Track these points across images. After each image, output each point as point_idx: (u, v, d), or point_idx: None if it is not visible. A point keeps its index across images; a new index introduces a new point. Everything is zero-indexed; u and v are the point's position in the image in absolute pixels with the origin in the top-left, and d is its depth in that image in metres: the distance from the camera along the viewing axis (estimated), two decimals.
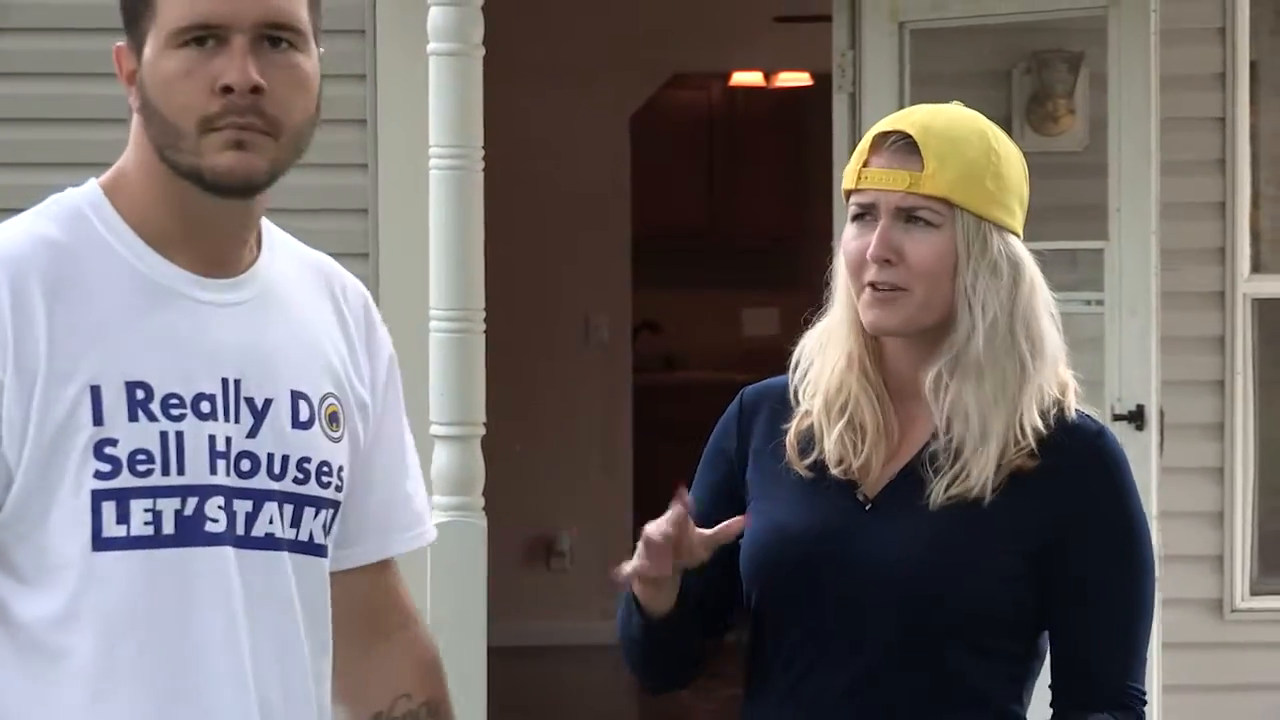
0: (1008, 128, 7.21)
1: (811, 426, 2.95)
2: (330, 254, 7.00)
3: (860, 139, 7.45)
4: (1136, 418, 6.37)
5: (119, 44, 2.47)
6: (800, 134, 11.93)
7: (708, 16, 10.32)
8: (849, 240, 2.92)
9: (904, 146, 2.92)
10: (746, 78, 12.28)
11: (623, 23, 10.07)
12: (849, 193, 2.96)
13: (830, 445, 2.92)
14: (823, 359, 2.97)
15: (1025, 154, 7.89)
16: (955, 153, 2.93)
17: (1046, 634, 2.99)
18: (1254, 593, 7.02)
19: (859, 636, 2.90)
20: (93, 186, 2.52)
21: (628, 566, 2.90)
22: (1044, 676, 3.03)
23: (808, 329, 3.03)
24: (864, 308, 2.90)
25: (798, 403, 2.97)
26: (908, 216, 2.90)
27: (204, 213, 2.50)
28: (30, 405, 2.36)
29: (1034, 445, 2.90)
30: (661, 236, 11.78)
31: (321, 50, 2.63)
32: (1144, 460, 6.38)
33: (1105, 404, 6.42)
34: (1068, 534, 2.92)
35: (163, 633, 2.40)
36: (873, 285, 2.88)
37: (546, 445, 10.26)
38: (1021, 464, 2.89)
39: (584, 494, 10.52)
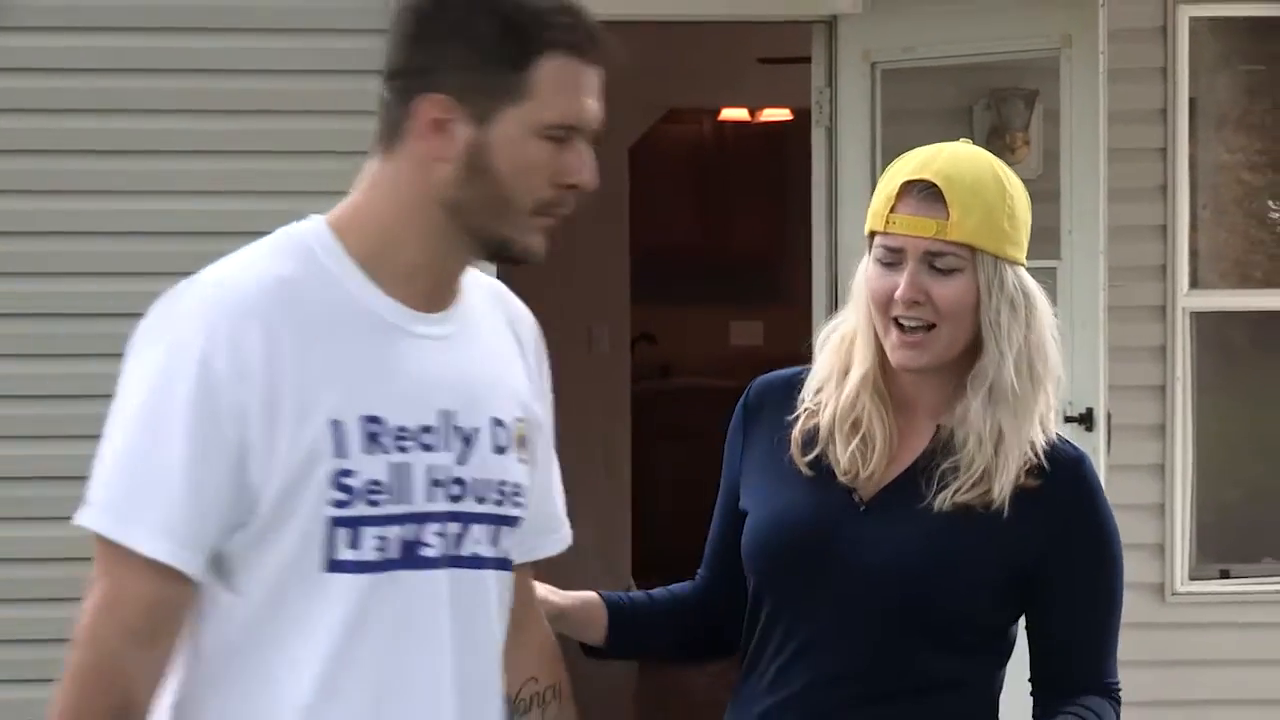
0: None
1: (816, 427, 2.94)
2: None
3: (836, 168, 7.44)
4: (1086, 419, 6.38)
5: (435, 95, 2.40)
6: (782, 163, 11.93)
7: (699, 58, 10.31)
8: (874, 279, 2.90)
9: (930, 194, 2.91)
10: (734, 113, 12.28)
11: (625, 66, 10.08)
12: (874, 234, 2.93)
13: (844, 458, 2.90)
14: (838, 369, 2.96)
15: None
16: (977, 201, 2.93)
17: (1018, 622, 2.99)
18: (1192, 578, 7.03)
19: (846, 631, 2.88)
20: (320, 224, 2.52)
21: None
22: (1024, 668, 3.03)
23: (817, 337, 3.04)
24: (892, 348, 2.89)
25: (804, 402, 2.97)
26: (933, 261, 2.89)
27: (451, 263, 2.48)
28: (278, 438, 2.34)
29: (1036, 464, 2.91)
30: (657, 255, 11.79)
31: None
32: (1092, 458, 6.37)
33: (1058, 408, 6.42)
34: (1054, 547, 2.93)
35: (381, 647, 2.39)
36: (899, 325, 2.88)
37: None
38: (1025, 482, 2.90)
39: (586, 491, 10.46)
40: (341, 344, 2.40)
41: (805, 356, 7.38)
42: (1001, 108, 6.89)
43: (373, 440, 2.38)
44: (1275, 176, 7.33)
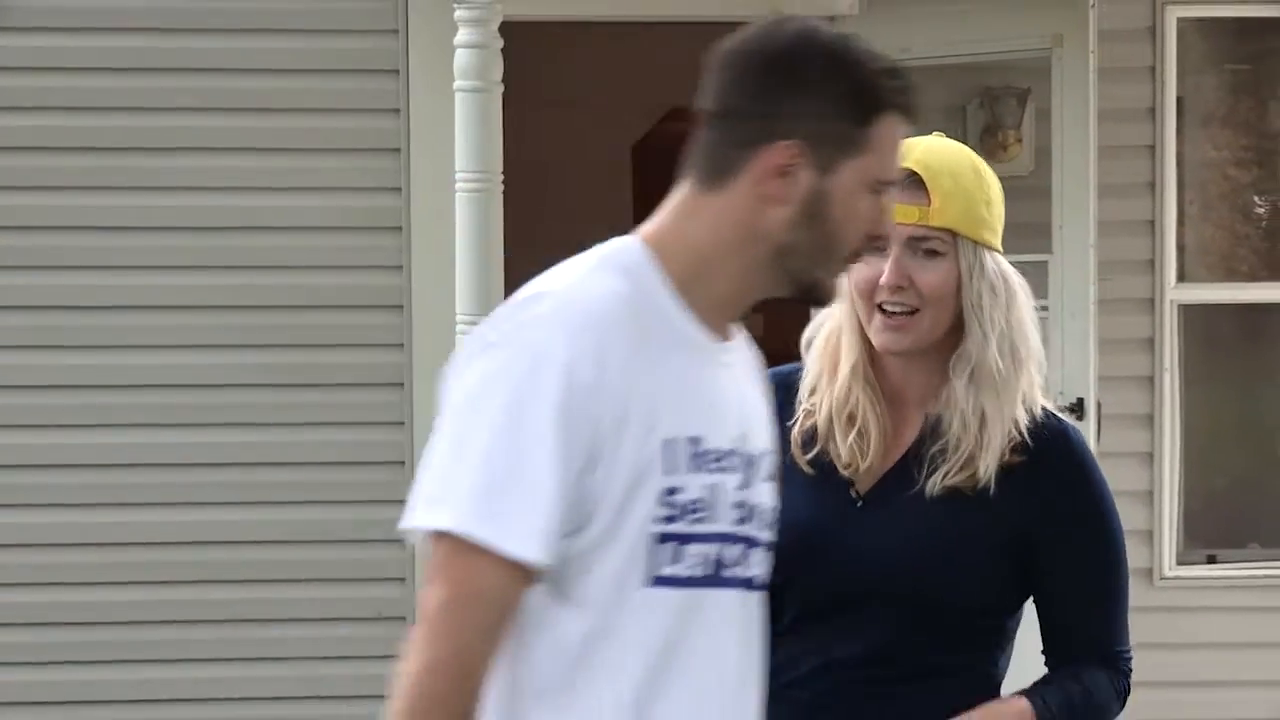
0: None
1: (814, 426, 2.93)
2: (368, 267, 7.05)
3: None
4: (1077, 409, 6.38)
5: (785, 142, 2.42)
6: None
7: (700, 59, 10.32)
8: (858, 268, 2.86)
9: (912, 182, 2.92)
10: None
11: (626, 65, 10.08)
12: None
13: (843, 451, 2.90)
14: (827, 366, 2.96)
15: None
16: (957, 188, 2.95)
17: (1024, 603, 2.99)
18: (1179, 563, 7.04)
19: (850, 620, 2.89)
20: (640, 246, 2.49)
21: None
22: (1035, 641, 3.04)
23: (804, 333, 3.03)
24: (876, 331, 2.90)
25: (801, 403, 2.96)
26: (916, 247, 2.91)
27: (753, 298, 2.51)
28: (622, 451, 2.34)
29: (1020, 441, 2.91)
30: None
31: None
32: None
33: (1050, 397, 6.43)
34: (1050, 519, 2.93)
35: (692, 665, 2.39)
36: (883, 310, 2.89)
37: None
38: (1010, 459, 2.90)
39: None
40: (673, 364, 2.41)
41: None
42: (994, 106, 6.89)
43: (695, 460, 2.39)
44: (1260, 173, 7.33)
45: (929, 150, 2.97)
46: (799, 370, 3.00)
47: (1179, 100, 6.98)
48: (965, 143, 7.63)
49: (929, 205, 2.91)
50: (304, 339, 6.50)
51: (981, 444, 2.89)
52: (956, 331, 2.93)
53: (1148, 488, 6.97)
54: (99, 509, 6.46)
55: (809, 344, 2.99)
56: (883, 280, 2.88)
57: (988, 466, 2.88)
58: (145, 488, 6.47)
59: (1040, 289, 6.52)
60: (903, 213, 2.87)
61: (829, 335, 2.97)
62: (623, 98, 10.51)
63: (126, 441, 6.46)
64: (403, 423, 6.40)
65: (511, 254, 5.43)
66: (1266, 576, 7.05)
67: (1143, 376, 6.97)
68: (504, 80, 5.06)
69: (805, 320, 7.13)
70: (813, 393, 2.95)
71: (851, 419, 2.91)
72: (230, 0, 6.51)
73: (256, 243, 6.47)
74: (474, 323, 5.03)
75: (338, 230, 6.51)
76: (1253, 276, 7.27)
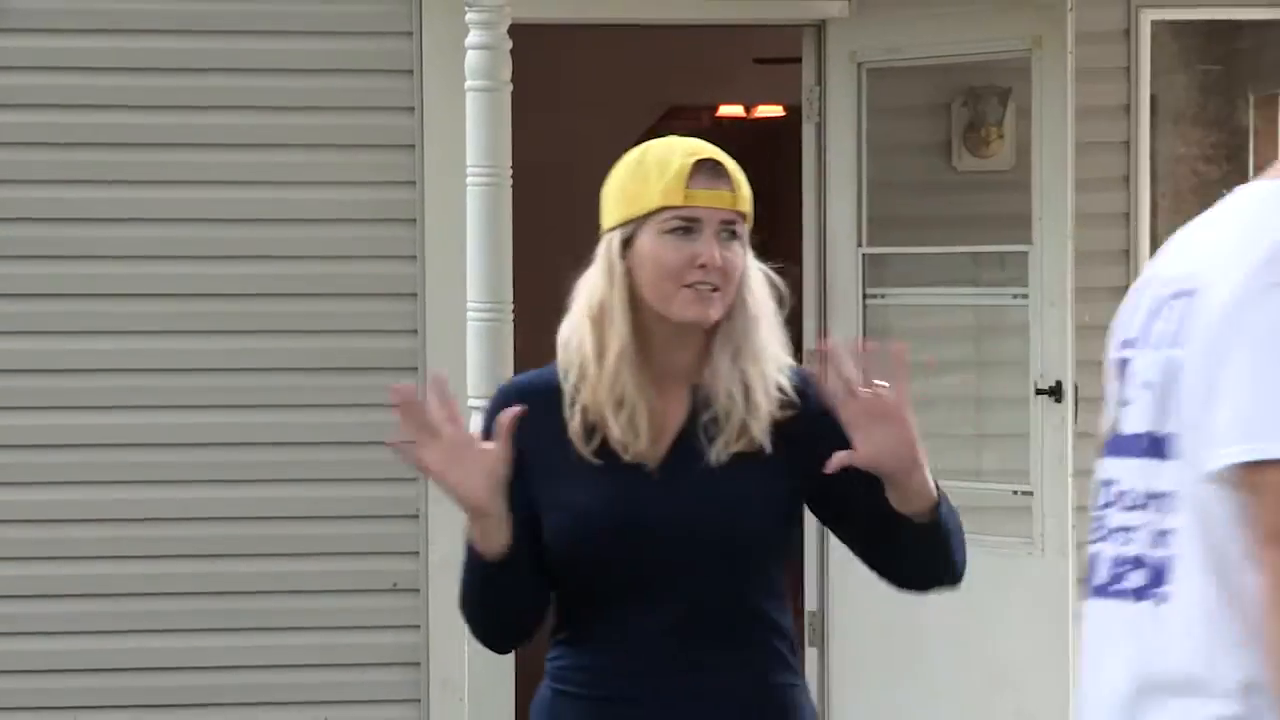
0: (947, 151, 7.27)
1: (589, 417, 2.95)
2: (383, 257, 7.05)
3: (825, 161, 7.43)
4: (1055, 392, 6.38)
5: None
6: (776, 157, 11.91)
7: (698, 59, 10.32)
8: (671, 250, 2.93)
9: (718, 170, 2.99)
10: (731, 110, 12.27)
11: (627, 64, 10.08)
12: (666, 209, 2.95)
13: (617, 433, 2.92)
14: (592, 356, 2.96)
15: (962, 173, 7.91)
16: (742, 178, 3.03)
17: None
18: None
19: (669, 585, 2.93)
20: None
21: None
22: None
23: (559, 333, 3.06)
24: (684, 305, 2.93)
25: (573, 400, 2.96)
26: (725, 229, 2.97)
27: None
28: None
29: (786, 398, 2.99)
30: None
31: None
32: (1061, 427, 6.39)
33: (1030, 380, 6.43)
34: (829, 447, 2.93)
35: None
36: (694, 287, 2.92)
37: None
38: (780, 415, 2.97)
39: None
40: None
41: (795, 331, 7.35)
42: (977, 104, 6.89)
43: None
44: (1229, 168, 7.34)
45: (709, 145, 3.03)
46: (546, 375, 3.01)
47: (1152, 99, 6.98)
48: (950, 138, 7.68)
49: (733, 191, 2.98)
50: (323, 325, 6.50)
51: (750, 411, 2.94)
52: None
53: None
54: (132, 486, 6.47)
55: (566, 343, 3.00)
56: (705, 260, 2.92)
57: (761, 429, 2.94)
58: (172, 466, 6.48)
59: (1020, 278, 6.53)
60: (717, 198, 2.97)
61: (591, 328, 2.98)
62: (625, 96, 10.50)
63: (155, 422, 6.46)
64: None
65: (519, 244, 5.43)
66: None
67: None
68: (513, 80, 5.06)
69: (797, 310, 7.04)
70: (580, 383, 2.96)
71: (620, 403, 2.93)
72: (255, 4, 6.51)
73: (278, 234, 6.48)
74: (484, 308, 5.04)
75: (355, 222, 6.52)
76: None
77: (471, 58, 4.99)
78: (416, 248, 6.53)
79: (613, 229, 3.00)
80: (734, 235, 2.98)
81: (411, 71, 6.51)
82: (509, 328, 5.08)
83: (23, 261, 6.46)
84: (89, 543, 6.46)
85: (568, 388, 2.97)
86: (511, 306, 5.17)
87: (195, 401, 6.47)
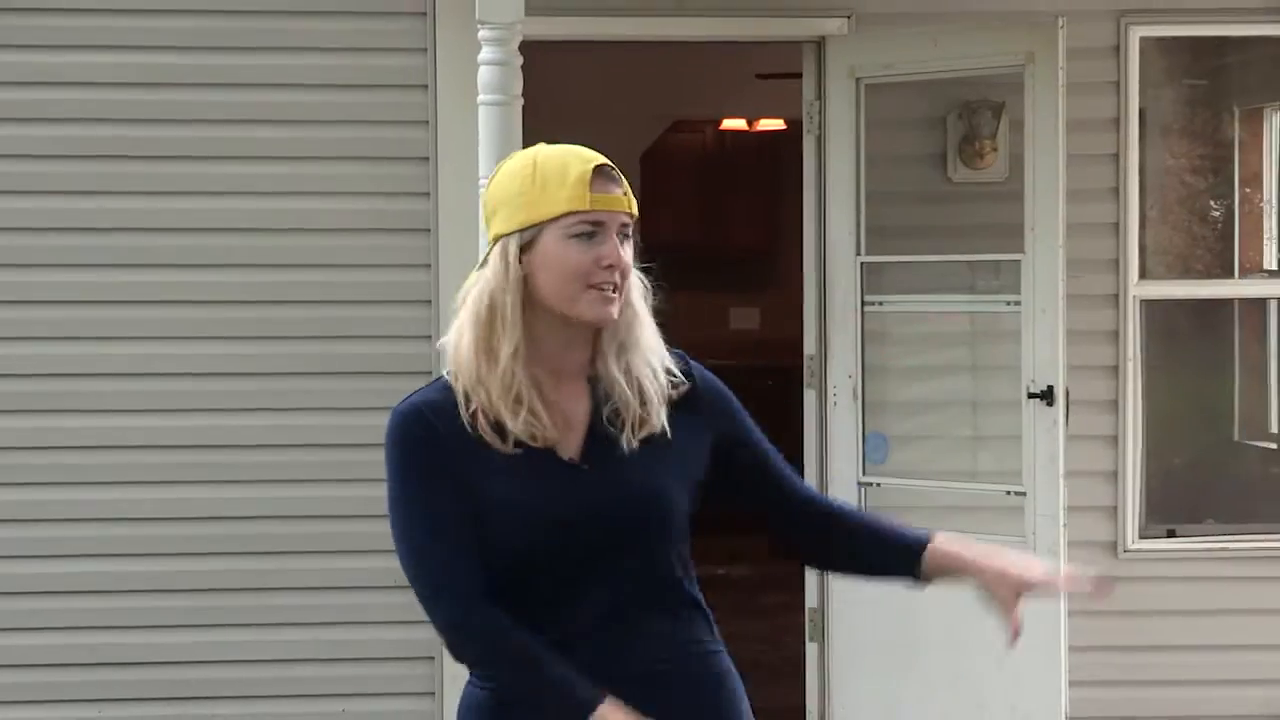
0: (943, 163, 7.27)
1: (491, 416, 2.93)
2: (398, 266, 7.03)
3: (825, 172, 7.40)
4: (1047, 396, 6.38)
5: None
6: (777, 168, 11.93)
7: (703, 75, 10.33)
8: (577, 254, 2.94)
9: (613, 176, 3.01)
10: (734, 123, 12.28)
11: (635, 80, 10.09)
12: (572, 213, 2.95)
13: (519, 428, 2.92)
14: (486, 360, 2.95)
15: (957, 184, 7.89)
16: (627, 182, 3.05)
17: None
18: (1142, 537, 7.04)
19: (608, 568, 2.94)
20: None
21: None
22: None
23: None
24: (590, 305, 2.95)
25: (468, 402, 2.94)
26: (623, 232, 2.99)
27: None
28: None
29: (675, 381, 3.04)
30: (665, 249, 11.67)
31: None
32: (1052, 429, 6.38)
33: (1022, 384, 6.42)
34: (730, 423, 3.09)
35: None
36: (599, 288, 2.94)
37: None
38: (674, 396, 3.03)
39: None
40: None
41: (796, 338, 7.32)
42: (971, 118, 6.88)
43: None
44: (1215, 179, 7.33)
45: (596, 153, 3.05)
46: (440, 388, 2.99)
47: (1141, 112, 6.97)
48: (945, 150, 7.67)
49: (625, 196, 3.00)
50: (342, 330, 6.51)
51: (646, 402, 2.98)
52: None
53: (1112, 468, 6.97)
54: (158, 486, 6.48)
55: (455, 347, 2.98)
56: (612, 261, 2.95)
57: (660, 416, 2.99)
58: (197, 467, 6.49)
59: (1013, 285, 6.53)
60: (616, 202, 2.99)
61: (477, 337, 2.96)
62: (632, 110, 10.51)
63: (181, 425, 6.47)
64: None
65: None
66: (1221, 549, 7.05)
67: (1107, 366, 6.97)
68: (524, 94, 5.06)
69: (797, 313, 7.02)
70: (473, 388, 2.95)
71: (519, 399, 2.93)
72: (276, 22, 6.52)
73: (298, 243, 6.48)
74: None
75: (372, 231, 6.52)
76: (1208, 274, 7.27)
77: (484, 73, 4.99)
78: (430, 256, 6.53)
79: (508, 234, 2.97)
80: (627, 237, 3.00)
81: (426, 87, 6.52)
82: None
83: (54, 270, 6.47)
84: (120, 540, 6.47)
85: (459, 390, 2.95)
86: None
87: (220, 405, 6.48)
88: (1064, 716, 6.42)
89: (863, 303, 6.80)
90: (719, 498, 3.10)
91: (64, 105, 6.46)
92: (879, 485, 6.78)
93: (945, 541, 3.11)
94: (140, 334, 6.47)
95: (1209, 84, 7.34)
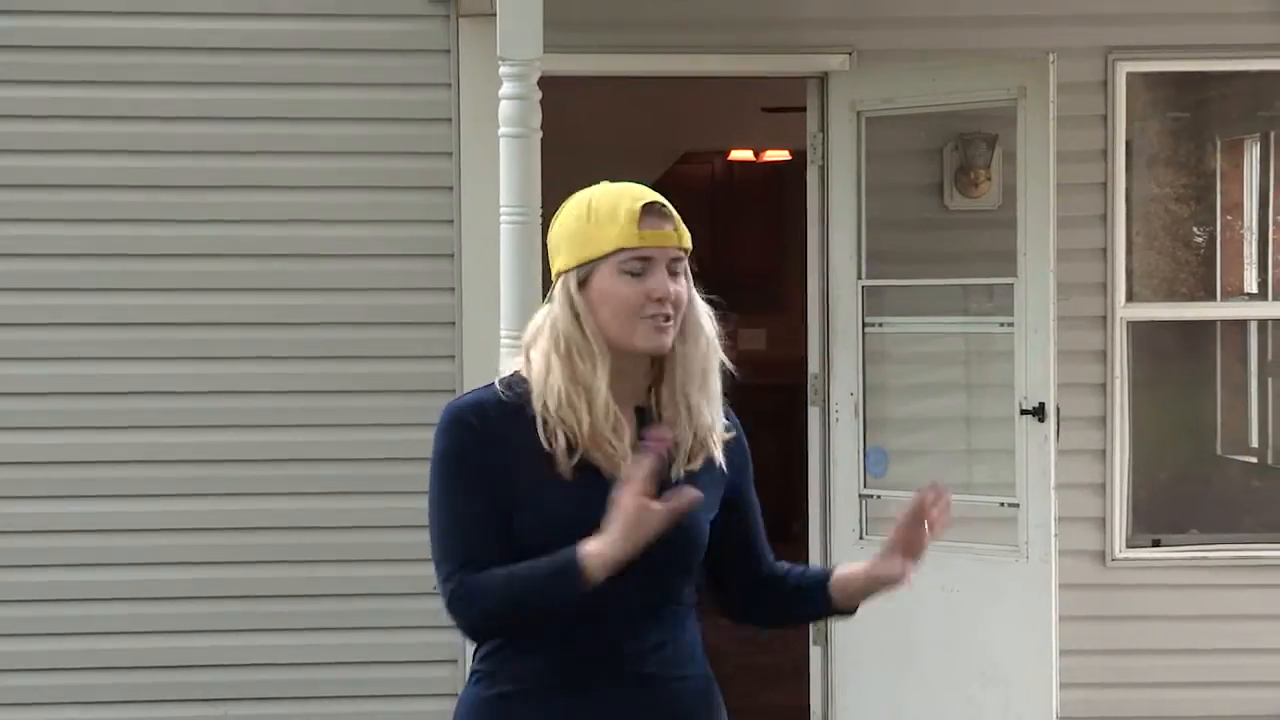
0: (939, 192, 7.26)
1: (568, 438, 2.90)
2: (424, 289, 7.05)
3: (828, 200, 7.39)
4: (1039, 412, 6.37)
5: None
6: (782, 197, 11.93)
7: (711, 108, 10.33)
8: (627, 287, 2.92)
9: (663, 213, 2.98)
10: (741, 154, 12.29)
11: (647, 114, 10.09)
12: (623, 249, 2.94)
13: (616, 453, 2.91)
14: (569, 386, 2.92)
15: (954, 212, 7.88)
16: (680, 219, 3.02)
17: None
18: (1129, 546, 7.03)
19: (634, 581, 2.88)
20: None
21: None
22: None
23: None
24: (645, 336, 2.93)
25: (549, 417, 2.91)
26: (673, 266, 2.97)
27: None
28: None
29: (723, 431, 3.03)
30: None
31: None
32: (1044, 444, 6.37)
33: (1015, 401, 6.42)
34: (743, 473, 3.11)
35: None
36: (651, 318, 2.93)
37: None
38: (726, 435, 3.04)
39: None
40: None
41: (800, 357, 7.29)
42: (967, 149, 6.89)
43: None
44: (1198, 207, 7.32)
45: (652, 191, 3.02)
46: (493, 391, 2.95)
47: (1127, 144, 6.97)
48: (942, 180, 7.66)
49: (676, 231, 2.99)
50: (369, 351, 6.52)
51: (701, 433, 2.98)
52: None
53: (1100, 481, 6.96)
54: (197, 499, 6.49)
55: (539, 376, 2.95)
56: (662, 294, 2.93)
57: (717, 447, 3.00)
58: (238, 480, 6.50)
59: (1006, 307, 6.53)
60: (665, 238, 2.97)
61: (563, 363, 2.94)
62: (644, 142, 10.51)
63: (219, 441, 6.48)
64: None
65: (549, 277, 5.42)
66: (1204, 558, 7.03)
67: (1096, 384, 6.97)
68: (542, 127, 5.06)
69: (801, 334, 6.98)
70: (560, 409, 2.91)
71: (618, 432, 2.92)
72: (310, 59, 6.53)
73: (328, 268, 6.49)
74: (517, 335, 5.04)
75: (398, 257, 6.53)
76: (1191, 297, 7.27)
77: (504, 107, 4.99)
78: (454, 280, 6.54)
79: (568, 271, 2.97)
80: (679, 271, 2.98)
81: (450, 120, 6.53)
82: None
83: (97, 294, 6.49)
84: (162, 550, 6.48)
85: (541, 413, 2.91)
86: None
87: (256, 421, 6.49)
88: (1055, 715, 6.41)
89: (863, 324, 6.79)
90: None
91: (110, 138, 6.47)
92: (879, 497, 6.77)
93: (840, 569, 3.12)
94: (184, 354, 6.48)
95: (1192, 117, 7.34)
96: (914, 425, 6.87)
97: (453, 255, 6.54)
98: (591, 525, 2.86)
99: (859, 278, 6.79)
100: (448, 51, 6.52)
